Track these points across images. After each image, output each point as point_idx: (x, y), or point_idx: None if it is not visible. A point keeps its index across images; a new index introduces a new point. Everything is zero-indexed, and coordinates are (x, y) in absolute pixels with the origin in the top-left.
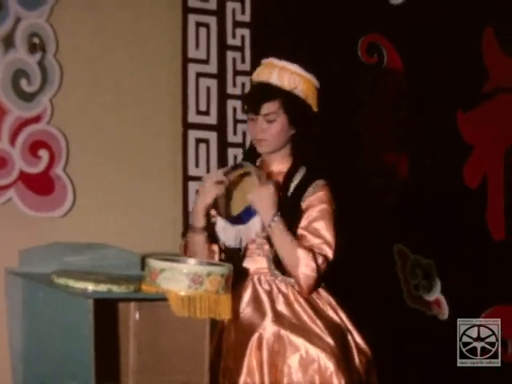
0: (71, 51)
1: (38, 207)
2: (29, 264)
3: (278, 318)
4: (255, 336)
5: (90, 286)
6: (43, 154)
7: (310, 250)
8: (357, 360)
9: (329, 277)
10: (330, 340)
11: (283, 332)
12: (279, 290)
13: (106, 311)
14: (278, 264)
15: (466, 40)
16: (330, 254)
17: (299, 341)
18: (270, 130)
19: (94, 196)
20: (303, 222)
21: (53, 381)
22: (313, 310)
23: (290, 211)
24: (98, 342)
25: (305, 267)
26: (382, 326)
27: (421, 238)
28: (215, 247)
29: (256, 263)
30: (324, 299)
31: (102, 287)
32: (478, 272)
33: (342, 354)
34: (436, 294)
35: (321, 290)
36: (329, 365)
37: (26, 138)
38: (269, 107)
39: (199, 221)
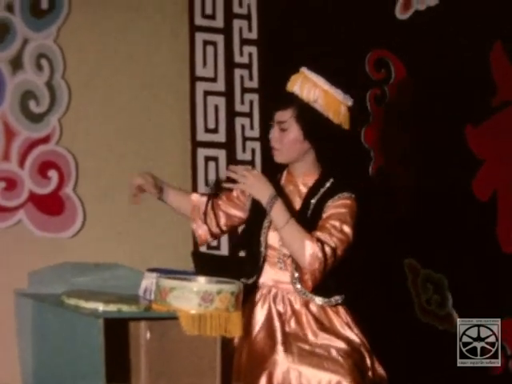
0: (79, 72)
1: (47, 228)
2: (38, 285)
3: (288, 346)
4: (264, 375)
5: (100, 307)
6: (52, 174)
7: (315, 236)
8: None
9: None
10: (343, 362)
11: (293, 366)
12: (293, 311)
13: (116, 331)
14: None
15: (474, 54)
16: (335, 243)
17: (309, 371)
18: (282, 139)
19: (104, 216)
20: (321, 220)
21: None
22: (326, 332)
23: (310, 218)
24: (109, 362)
25: (311, 247)
26: (393, 341)
27: (431, 252)
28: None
29: (276, 274)
30: (342, 319)
31: (112, 307)
32: (489, 285)
33: (357, 373)
34: (448, 309)
35: (340, 308)
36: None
37: (35, 159)
38: (281, 115)
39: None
